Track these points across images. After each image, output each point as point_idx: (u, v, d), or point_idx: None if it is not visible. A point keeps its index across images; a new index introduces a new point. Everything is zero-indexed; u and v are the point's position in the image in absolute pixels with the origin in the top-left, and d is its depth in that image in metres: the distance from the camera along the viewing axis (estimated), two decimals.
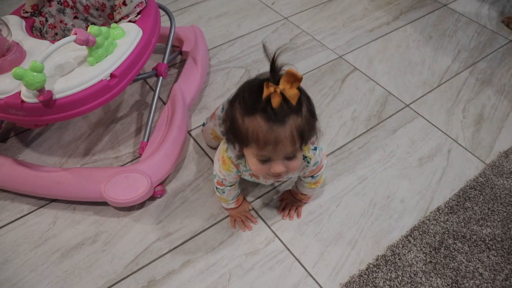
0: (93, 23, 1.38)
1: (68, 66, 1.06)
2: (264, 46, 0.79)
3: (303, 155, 0.91)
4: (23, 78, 0.93)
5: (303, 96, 0.78)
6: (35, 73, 0.94)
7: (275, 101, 0.72)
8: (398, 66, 1.54)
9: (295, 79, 0.72)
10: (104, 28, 1.05)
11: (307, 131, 0.79)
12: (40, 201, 1.16)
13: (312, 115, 0.81)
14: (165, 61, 1.30)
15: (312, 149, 0.92)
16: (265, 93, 0.72)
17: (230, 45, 1.62)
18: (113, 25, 1.13)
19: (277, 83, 0.73)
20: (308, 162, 0.94)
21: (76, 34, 0.99)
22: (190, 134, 1.31)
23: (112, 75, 1.06)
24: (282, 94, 0.72)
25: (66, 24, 1.36)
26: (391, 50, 1.60)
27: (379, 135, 1.31)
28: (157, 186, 1.14)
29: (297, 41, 1.63)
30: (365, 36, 1.66)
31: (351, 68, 1.53)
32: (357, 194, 1.17)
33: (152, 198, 1.15)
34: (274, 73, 0.74)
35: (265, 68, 1.48)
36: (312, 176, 1.01)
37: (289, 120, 0.75)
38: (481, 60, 1.57)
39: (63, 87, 1.01)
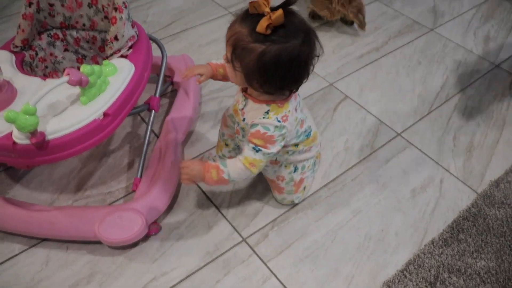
0: (84, 55, 1.37)
1: (60, 105, 1.04)
2: None
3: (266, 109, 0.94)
4: (15, 121, 0.92)
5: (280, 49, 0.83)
6: (27, 116, 0.93)
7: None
8: (389, 94, 1.55)
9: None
10: (96, 67, 1.04)
11: (242, 56, 0.86)
12: (32, 240, 1.14)
13: (262, 63, 0.84)
14: (157, 95, 1.30)
15: (273, 118, 0.94)
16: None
17: None
18: (105, 62, 1.12)
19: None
20: (265, 115, 0.94)
21: (68, 74, 0.98)
22: None
23: (105, 114, 1.05)
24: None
25: (56, 56, 1.35)
26: (381, 77, 1.62)
27: (372, 166, 1.32)
28: (151, 224, 1.13)
29: None
30: (355, 62, 1.68)
31: (342, 96, 1.54)
32: (352, 228, 1.17)
33: (147, 235, 1.13)
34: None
35: None
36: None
37: (235, 26, 0.86)
38: (469, 86, 1.59)
39: (56, 127, 1.00)
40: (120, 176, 1.28)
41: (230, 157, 1.25)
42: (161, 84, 1.32)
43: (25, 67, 1.22)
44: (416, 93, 1.56)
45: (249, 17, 0.84)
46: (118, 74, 1.11)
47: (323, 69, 1.65)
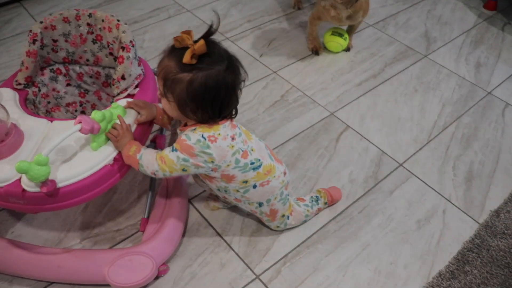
0: (86, 90, 1.36)
1: (69, 150, 1.03)
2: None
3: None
4: (28, 172, 0.91)
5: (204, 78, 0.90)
6: (39, 167, 0.91)
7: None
8: (389, 123, 1.58)
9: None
10: (107, 112, 1.04)
11: (173, 87, 0.93)
12: (40, 283, 1.12)
13: (192, 93, 0.91)
14: (164, 133, 1.29)
15: (199, 133, 0.96)
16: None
17: None
18: (114, 104, 1.11)
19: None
20: (192, 131, 0.97)
21: (80, 122, 0.97)
22: (191, 203, 1.30)
23: (115, 159, 1.04)
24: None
25: (58, 91, 1.33)
26: (380, 105, 1.65)
27: (377, 197, 1.34)
28: (160, 266, 1.12)
29: (288, 98, 1.65)
30: (354, 90, 1.71)
31: (344, 126, 1.56)
32: (362, 261, 1.19)
33: (156, 277, 1.12)
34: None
35: (261, 127, 1.48)
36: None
37: (164, 61, 0.94)
38: (464, 114, 1.64)
39: (67, 175, 0.98)
40: (128, 212, 1.27)
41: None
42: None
43: (28, 105, 1.20)
44: (414, 122, 1.59)
45: (175, 51, 0.93)
46: (127, 116, 1.10)
47: (324, 97, 1.67)
